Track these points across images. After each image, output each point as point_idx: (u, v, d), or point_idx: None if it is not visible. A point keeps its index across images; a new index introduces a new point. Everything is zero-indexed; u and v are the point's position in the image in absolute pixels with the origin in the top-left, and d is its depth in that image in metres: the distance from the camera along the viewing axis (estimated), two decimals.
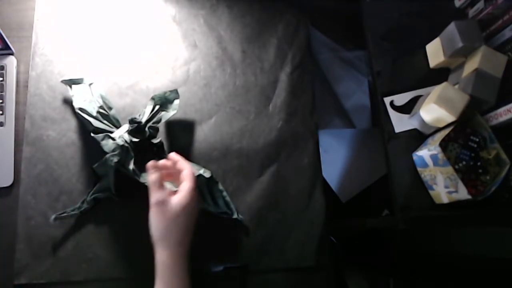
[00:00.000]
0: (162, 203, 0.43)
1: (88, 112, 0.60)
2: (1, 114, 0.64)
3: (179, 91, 0.64)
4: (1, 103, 0.65)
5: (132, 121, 0.58)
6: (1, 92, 0.65)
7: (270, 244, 0.64)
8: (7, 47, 0.66)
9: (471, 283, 0.78)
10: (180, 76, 0.71)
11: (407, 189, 0.69)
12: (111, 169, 0.56)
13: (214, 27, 0.75)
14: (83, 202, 0.59)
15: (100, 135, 0.58)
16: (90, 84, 0.63)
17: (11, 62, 0.67)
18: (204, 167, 0.62)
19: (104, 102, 0.62)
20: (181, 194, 0.46)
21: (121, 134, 0.58)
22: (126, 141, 0.57)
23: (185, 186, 0.47)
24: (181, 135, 0.67)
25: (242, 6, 0.77)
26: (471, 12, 0.76)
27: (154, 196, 0.43)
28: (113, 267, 0.59)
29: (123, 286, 0.59)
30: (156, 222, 0.43)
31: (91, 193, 0.59)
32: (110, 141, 0.58)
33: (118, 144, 0.56)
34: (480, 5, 0.73)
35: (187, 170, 0.50)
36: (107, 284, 0.59)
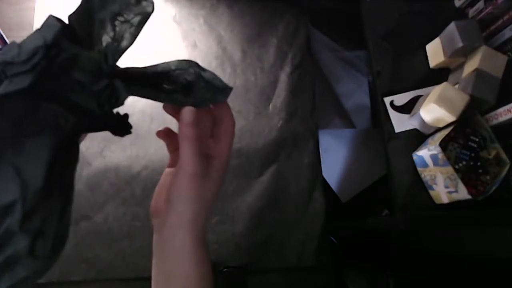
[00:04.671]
0: (203, 175, 0.32)
1: None
2: None
3: None
4: None
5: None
6: None
7: (270, 244, 0.64)
8: None
9: (471, 283, 0.78)
10: None
11: (407, 189, 0.68)
12: None
13: (214, 27, 0.75)
14: None
15: None
16: None
17: None
18: None
19: None
20: (221, 162, 0.34)
21: None
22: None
23: (224, 150, 0.34)
24: None
25: (242, 6, 0.77)
26: (471, 12, 0.76)
27: (194, 165, 0.31)
28: (113, 267, 0.59)
29: (123, 286, 0.59)
30: (191, 198, 0.32)
31: None
32: None
33: None
34: (480, 5, 0.73)
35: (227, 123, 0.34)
36: (107, 284, 0.59)
